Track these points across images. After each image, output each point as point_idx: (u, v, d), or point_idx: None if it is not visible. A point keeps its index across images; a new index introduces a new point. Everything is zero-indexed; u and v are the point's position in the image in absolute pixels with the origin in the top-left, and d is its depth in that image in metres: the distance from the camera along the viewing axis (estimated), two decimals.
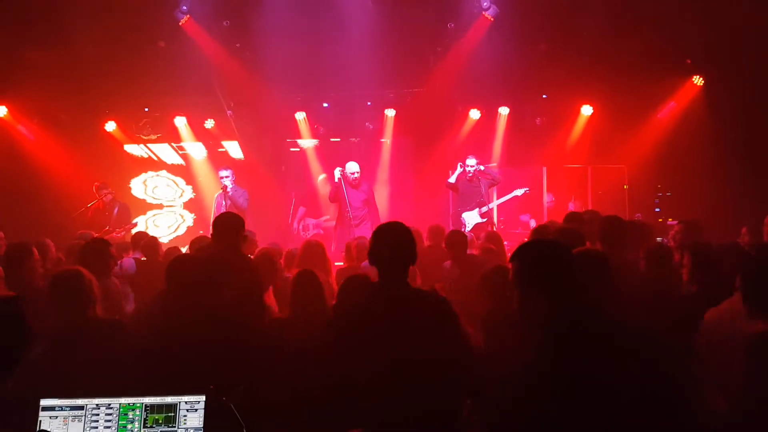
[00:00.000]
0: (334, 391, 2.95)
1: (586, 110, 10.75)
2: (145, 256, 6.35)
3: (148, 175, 12.10)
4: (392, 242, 3.05)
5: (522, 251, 2.78)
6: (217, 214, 9.00)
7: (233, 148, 11.83)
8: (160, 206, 12.08)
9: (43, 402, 2.57)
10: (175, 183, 12.12)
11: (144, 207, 11.78)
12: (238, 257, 4.40)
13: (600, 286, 3.12)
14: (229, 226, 4.46)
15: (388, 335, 2.89)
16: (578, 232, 4.57)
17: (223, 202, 9.14)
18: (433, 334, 2.91)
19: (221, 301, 3.58)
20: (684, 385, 2.98)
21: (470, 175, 9.43)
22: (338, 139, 11.65)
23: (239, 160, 11.75)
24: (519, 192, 9.63)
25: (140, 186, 12.07)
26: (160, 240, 7.39)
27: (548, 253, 2.78)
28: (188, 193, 12.10)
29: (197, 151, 11.84)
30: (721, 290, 3.56)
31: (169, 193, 12.14)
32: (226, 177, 9.26)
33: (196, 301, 3.41)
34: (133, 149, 11.92)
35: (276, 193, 11.53)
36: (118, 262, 6.37)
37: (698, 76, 10.22)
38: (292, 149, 11.97)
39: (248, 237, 6.85)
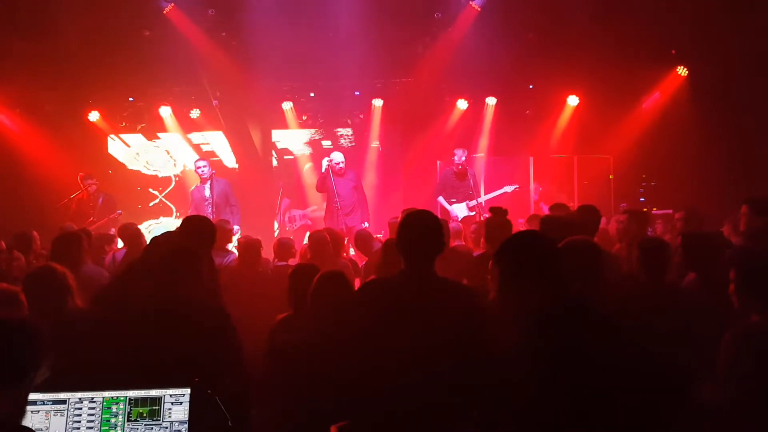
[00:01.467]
0: (340, 376, 2.89)
1: (572, 101, 10.79)
2: (128, 247, 6.29)
3: (140, 151, 11.88)
4: (421, 230, 2.95)
5: (507, 245, 2.80)
6: (195, 209, 9.01)
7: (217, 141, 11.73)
8: (151, 179, 11.85)
9: None
10: (168, 153, 11.91)
11: (140, 212, 11.45)
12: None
13: (591, 276, 3.13)
14: (199, 231, 4.15)
15: (408, 322, 2.78)
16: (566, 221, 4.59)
17: (206, 195, 9.05)
18: (456, 328, 2.78)
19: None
20: (673, 373, 3.01)
21: (459, 167, 9.39)
22: (329, 143, 11.58)
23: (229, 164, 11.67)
24: (509, 189, 9.62)
25: (133, 158, 11.87)
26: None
27: (532, 244, 2.80)
28: (180, 165, 11.87)
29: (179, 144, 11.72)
30: (713, 281, 3.61)
31: (163, 162, 11.90)
32: (204, 167, 9.18)
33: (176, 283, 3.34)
34: (116, 151, 11.77)
35: (263, 184, 11.50)
36: (113, 254, 6.35)
37: (682, 67, 10.28)
38: (285, 157, 11.86)
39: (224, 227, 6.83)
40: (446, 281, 2.99)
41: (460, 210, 9.44)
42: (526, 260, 2.73)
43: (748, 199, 5.13)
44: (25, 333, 1.99)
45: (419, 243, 2.95)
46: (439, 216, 8.80)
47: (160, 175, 11.89)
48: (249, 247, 5.68)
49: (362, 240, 6.61)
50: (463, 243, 6.80)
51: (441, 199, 9.46)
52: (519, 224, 10.14)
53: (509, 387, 2.54)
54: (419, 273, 2.92)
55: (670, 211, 8.80)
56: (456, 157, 9.39)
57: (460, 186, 9.44)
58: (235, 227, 8.48)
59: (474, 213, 9.30)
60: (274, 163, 11.90)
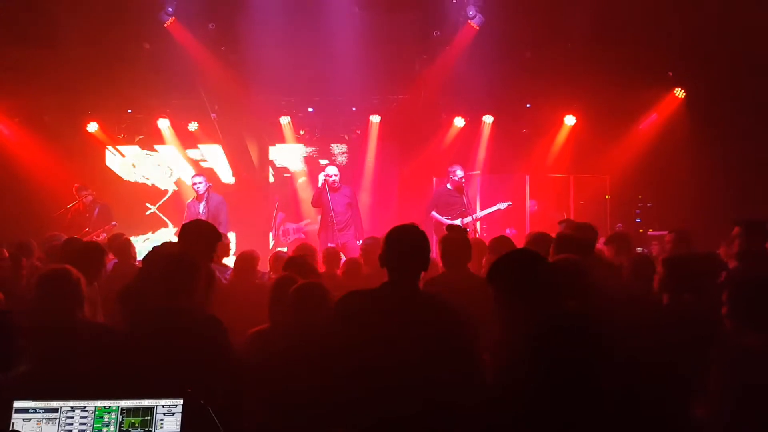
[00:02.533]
0: (320, 390, 2.86)
1: (569, 120, 10.84)
2: (118, 258, 6.26)
3: (136, 157, 11.86)
4: (406, 245, 2.95)
5: (498, 264, 2.82)
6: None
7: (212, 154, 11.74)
8: (149, 186, 11.81)
9: (17, 404, 2.52)
10: (164, 165, 11.89)
11: (136, 224, 11.29)
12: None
13: (581, 292, 3.16)
14: (199, 234, 4.13)
15: (390, 336, 2.75)
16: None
17: (200, 211, 9.03)
18: (439, 345, 2.75)
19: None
20: (661, 393, 3.01)
21: (458, 183, 9.37)
22: (327, 162, 11.59)
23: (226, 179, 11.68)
24: (502, 206, 9.56)
25: (129, 169, 11.85)
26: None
27: (524, 262, 2.82)
28: (176, 173, 11.84)
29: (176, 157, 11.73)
30: (695, 301, 3.64)
31: (158, 173, 11.89)
32: (200, 183, 9.18)
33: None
34: (113, 162, 11.77)
35: (259, 199, 11.51)
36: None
37: (680, 89, 10.35)
38: (285, 174, 11.87)
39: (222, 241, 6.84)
40: (430, 295, 3.01)
41: None
42: (519, 279, 2.75)
43: (741, 220, 5.16)
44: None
45: (405, 257, 2.94)
46: (434, 231, 8.82)
47: (158, 185, 11.85)
48: (246, 259, 5.69)
49: (371, 249, 6.58)
50: None
51: (435, 213, 9.44)
52: (509, 235, 10.22)
53: (493, 404, 2.54)
54: (403, 286, 2.91)
55: (666, 232, 8.82)
56: (454, 175, 9.36)
57: (454, 203, 9.41)
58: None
59: (468, 230, 9.26)
60: (271, 179, 11.92)
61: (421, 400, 2.66)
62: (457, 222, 9.32)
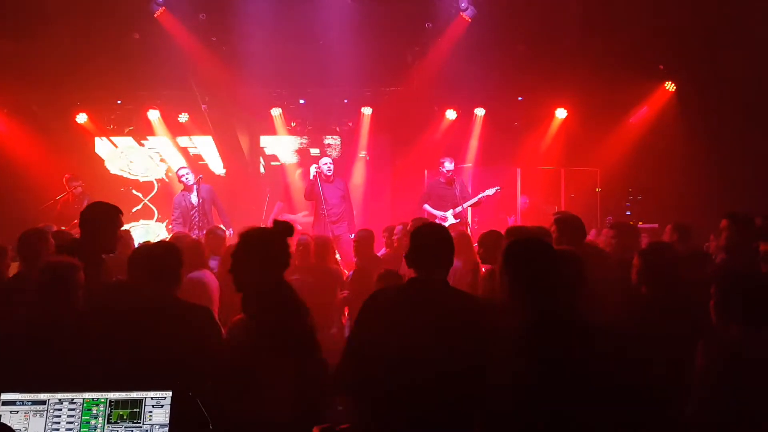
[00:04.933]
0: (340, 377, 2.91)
1: (561, 113, 10.85)
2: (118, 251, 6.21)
3: (126, 148, 11.79)
4: (435, 241, 3.02)
5: (511, 250, 2.78)
6: (181, 216, 8.98)
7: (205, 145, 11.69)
8: (135, 182, 11.78)
9: (4, 396, 2.51)
10: (153, 158, 11.82)
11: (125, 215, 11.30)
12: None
13: (576, 287, 3.16)
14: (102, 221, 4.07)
15: (414, 330, 2.79)
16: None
17: (193, 202, 9.02)
18: (466, 337, 2.77)
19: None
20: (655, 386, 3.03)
21: (448, 176, 9.38)
22: (317, 151, 11.59)
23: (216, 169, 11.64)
24: (490, 192, 9.53)
25: (118, 159, 11.76)
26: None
27: (538, 252, 2.78)
28: (163, 168, 11.79)
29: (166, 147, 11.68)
30: (671, 294, 3.66)
31: (143, 167, 11.82)
32: (187, 174, 9.14)
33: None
34: (102, 151, 11.70)
35: (250, 190, 11.47)
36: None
37: (670, 82, 10.37)
38: (273, 163, 11.86)
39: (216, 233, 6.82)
40: (458, 291, 3.03)
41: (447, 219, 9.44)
42: (529, 269, 2.71)
43: (728, 213, 5.17)
44: None
45: (433, 253, 2.99)
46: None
47: (141, 180, 11.81)
48: None
49: (365, 242, 6.58)
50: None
51: (427, 206, 9.44)
52: (511, 223, 10.21)
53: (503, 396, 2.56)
54: (432, 282, 2.96)
55: (656, 225, 8.86)
56: (443, 167, 9.37)
57: (446, 195, 9.42)
58: (229, 231, 8.58)
59: (458, 220, 9.27)
60: (262, 170, 11.89)
61: (445, 393, 2.70)
62: (449, 213, 9.33)
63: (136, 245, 4.72)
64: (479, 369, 2.66)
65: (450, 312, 2.87)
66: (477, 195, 9.56)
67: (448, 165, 9.35)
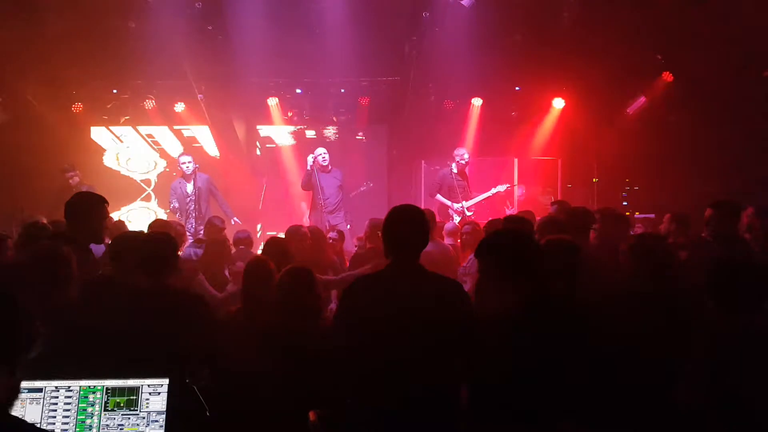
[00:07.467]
0: (325, 365, 2.93)
1: (558, 103, 10.84)
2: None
3: (121, 147, 11.82)
4: (407, 224, 2.99)
5: (487, 244, 2.83)
6: (178, 202, 9.01)
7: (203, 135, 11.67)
8: (131, 179, 11.83)
9: None
10: (147, 153, 11.88)
11: (119, 199, 11.36)
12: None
13: (570, 275, 3.17)
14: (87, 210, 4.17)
15: (394, 311, 2.81)
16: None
17: (189, 191, 9.01)
18: (441, 318, 2.81)
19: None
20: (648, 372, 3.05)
21: (464, 164, 9.36)
22: (314, 134, 11.58)
23: (211, 151, 11.62)
24: (501, 188, 9.52)
25: (113, 158, 11.81)
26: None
27: (514, 244, 2.83)
28: (160, 167, 11.86)
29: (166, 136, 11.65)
30: (659, 283, 3.64)
31: (142, 166, 11.88)
32: (188, 162, 9.13)
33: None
34: (99, 137, 11.67)
35: (247, 178, 11.45)
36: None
37: (668, 73, 10.35)
38: (268, 145, 11.85)
39: (216, 224, 6.85)
40: (432, 274, 3.01)
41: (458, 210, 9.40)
42: (507, 259, 2.76)
43: (714, 203, 5.12)
44: (19, 309, 1.84)
45: (405, 236, 2.98)
46: (438, 213, 8.76)
47: (138, 179, 11.84)
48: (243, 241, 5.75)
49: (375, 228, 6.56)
50: (456, 244, 6.78)
51: (440, 197, 9.41)
52: (508, 212, 10.20)
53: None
54: (406, 266, 2.95)
55: (653, 215, 8.88)
56: (461, 158, 9.33)
57: (457, 186, 9.37)
58: (234, 219, 8.87)
59: (471, 213, 9.25)
60: (258, 152, 11.90)
61: (428, 372, 2.74)
62: (459, 205, 9.29)
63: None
64: (457, 347, 2.75)
65: (424, 294, 2.88)
66: (478, 189, 9.58)
67: (467, 156, 9.34)
